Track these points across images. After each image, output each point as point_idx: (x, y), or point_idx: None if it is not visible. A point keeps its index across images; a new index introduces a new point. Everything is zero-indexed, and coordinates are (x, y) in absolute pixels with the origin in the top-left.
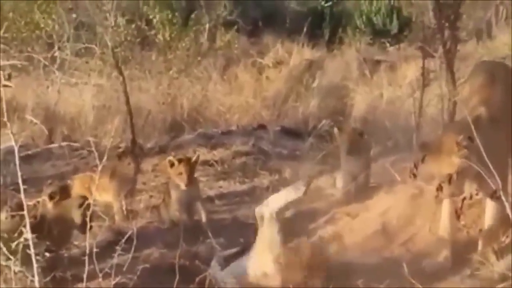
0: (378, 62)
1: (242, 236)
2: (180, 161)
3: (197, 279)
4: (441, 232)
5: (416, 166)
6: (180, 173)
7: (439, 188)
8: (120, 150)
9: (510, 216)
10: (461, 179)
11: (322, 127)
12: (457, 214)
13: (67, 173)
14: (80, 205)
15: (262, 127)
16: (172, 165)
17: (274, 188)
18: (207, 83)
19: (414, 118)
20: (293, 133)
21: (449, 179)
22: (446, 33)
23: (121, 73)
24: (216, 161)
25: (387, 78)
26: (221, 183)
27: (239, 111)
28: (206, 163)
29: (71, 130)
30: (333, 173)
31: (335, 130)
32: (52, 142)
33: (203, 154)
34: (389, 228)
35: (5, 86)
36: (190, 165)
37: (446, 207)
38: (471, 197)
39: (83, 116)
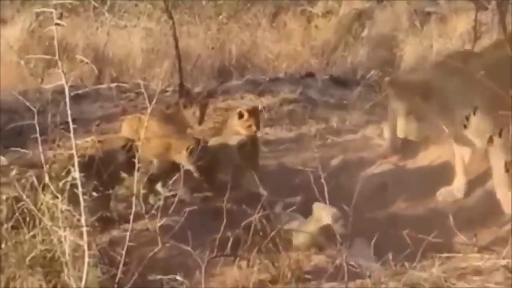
0: (429, 14)
1: (288, 183)
2: (250, 112)
3: (242, 224)
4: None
5: (467, 118)
6: (250, 126)
7: (490, 141)
8: (186, 98)
9: None
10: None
11: (371, 77)
12: (506, 167)
13: (115, 115)
14: (123, 146)
15: (310, 75)
16: (241, 116)
17: (321, 137)
18: (256, 30)
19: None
20: (341, 82)
21: (500, 131)
22: None
23: (170, 17)
24: (263, 108)
25: (437, 30)
26: (267, 129)
27: (287, 58)
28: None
29: (120, 72)
30: (380, 124)
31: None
32: (100, 83)
33: (251, 100)
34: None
35: (57, 24)
36: (259, 116)
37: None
38: None
39: (131, 59)
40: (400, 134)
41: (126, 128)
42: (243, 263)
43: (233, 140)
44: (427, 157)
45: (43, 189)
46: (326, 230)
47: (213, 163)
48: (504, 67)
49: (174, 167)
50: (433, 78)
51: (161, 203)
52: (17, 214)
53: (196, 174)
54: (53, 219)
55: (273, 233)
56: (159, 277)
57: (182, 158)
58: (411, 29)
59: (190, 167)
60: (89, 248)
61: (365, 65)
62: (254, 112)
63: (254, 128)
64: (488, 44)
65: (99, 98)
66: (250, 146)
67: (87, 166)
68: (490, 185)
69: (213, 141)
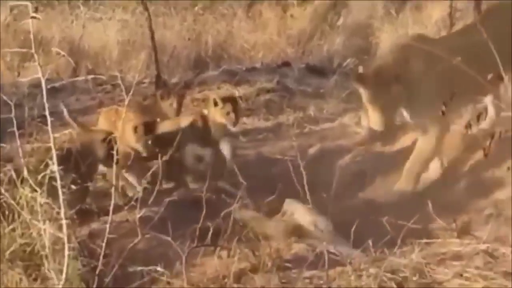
0: (404, 1)
1: (266, 172)
2: (225, 100)
3: (222, 214)
4: None
5: (445, 104)
6: (228, 113)
7: (468, 126)
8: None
9: None
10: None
11: (347, 65)
12: (484, 152)
13: (91, 107)
14: (103, 140)
15: (286, 64)
16: (216, 104)
17: (298, 125)
18: (231, 20)
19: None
20: (317, 71)
21: (478, 116)
22: None
23: (146, 8)
24: (240, 98)
25: (413, 17)
26: (245, 119)
27: (263, 48)
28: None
29: (96, 65)
30: (357, 112)
31: (360, 68)
32: (77, 76)
33: (227, 90)
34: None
35: (33, 17)
36: (236, 103)
37: None
38: (500, 135)
39: (107, 51)
40: (376, 126)
41: (103, 121)
42: (224, 253)
43: (185, 122)
44: (405, 143)
45: (21, 183)
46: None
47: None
48: (479, 51)
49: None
50: (406, 66)
51: (140, 194)
52: None
53: (144, 154)
54: (32, 213)
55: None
56: (139, 268)
57: (130, 138)
58: (387, 17)
59: (138, 147)
60: (69, 241)
61: (341, 53)
62: (229, 100)
63: (232, 115)
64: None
65: (75, 91)
66: (201, 125)
67: (65, 159)
68: (468, 170)
69: (165, 125)
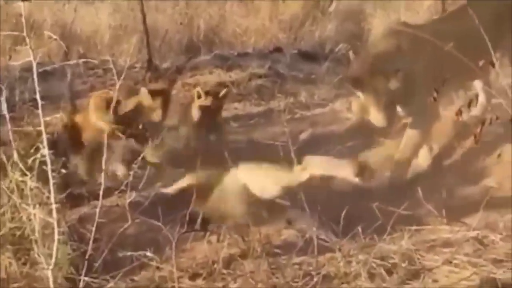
0: None
1: (257, 157)
2: (207, 93)
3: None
4: None
5: (436, 90)
6: (155, 109)
7: (458, 113)
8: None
9: None
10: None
11: (339, 51)
12: (475, 139)
13: (83, 91)
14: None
15: (278, 50)
16: (199, 96)
17: (290, 111)
18: (224, 5)
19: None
20: (309, 57)
21: (469, 103)
22: None
23: None
24: (232, 83)
25: (405, 3)
26: (236, 104)
27: (255, 33)
28: (222, 84)
29: (87, 49)
30: (349, 97)
31: (351, 54)
32: (68, 60)
33: (219, 75)
34: (405, 152)
35: (24, 0)
36: (218, 98)
37: None
38: (490, 122)
39: (99, 35)
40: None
41: (93, 104)
42: (213, 238)
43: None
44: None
45: (12, 167)
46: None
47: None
48: (469, 36)
49: None
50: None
51: (130, 178)
52: None
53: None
54: (22, 197)
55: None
56: (129, 253)
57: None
58: (379, 3)
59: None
60: (59, 225)
61: (333, 39)
62: (160, 93)
63: (159, 112)
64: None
65: (67, 75)
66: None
67: (55, 143)
68: (458, 156)
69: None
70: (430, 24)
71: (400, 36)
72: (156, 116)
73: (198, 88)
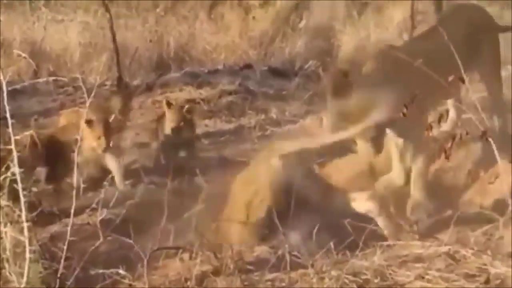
0: (366, 3)
1: (227, 174)
2: (95, 122)
3: (185, 215)
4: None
5: (406, 106)
6: (99, 137)
7: (429, 128)
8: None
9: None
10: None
11: (309, 67)
12: (446, 154)
13: (53, 109)
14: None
15: (248, 66)
16: (169, 106)
17: (260, 128)
18: (193, 22)
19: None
20: (279, 73)
21: (439, 118)
22: None
23: (107, 10)
24: (202, 100)
25: (375, 19)
26: (207, 121)
27: (225, 50)
28: (192, 101)
29: (57, 67)
30: (319, 114)
31: (321, 70)
32: (38, 78)
33: (189, 92)
34: (376, 169)
35: None
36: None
37: None
38: (460, 137)
39: (69, 53)
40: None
41: (64, 123)
42: (186, 255)
43: None
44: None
45: None
46: None
47: None
48: (440, 54)
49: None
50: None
51: (101, 196)
52: None
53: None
54: None
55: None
56: (101, 271)
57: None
58: (349, 19)
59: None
60: (30, 244)
61: (303, 55)
62: (101, 121)
63: (103, 140)
64: (422, 31)
65: (36, 93)
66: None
67: (26, 161)
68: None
69: None
70: (404, 45)
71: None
72: (99, 146)
73: (167, 99)
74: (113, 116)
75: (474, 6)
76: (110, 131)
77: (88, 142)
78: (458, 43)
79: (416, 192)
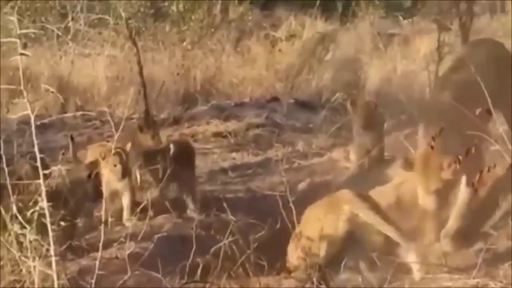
0: (392, 35)
1: (256, 208)
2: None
3: (212, 250)
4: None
5: (433, 139)
6: (115, 165)
7: (457, 161)
8: (140, 121)
9: None
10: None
11: (336, 100)
12: (474, 187)
13: (80, 143)
14: (89, 176)
15: (275, 99)
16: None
17: (287, 160)
18: (220, 55)
19: (429, 91)
20: (306, 106)
21: (467, 152)
22: (462, 6)
23: (134, 43)
24: (229, 133)
25: (401, 51)
26: (234, 154)
27: (252, 83)
28: (219, 134)
29: (84, 101)
30: (346, 146)
31: (348, 103)
32: (65, 112)
33: (216, 125)
34: (403, 202)
35: (22, 54)
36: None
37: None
38: (488, 170)
39: (96, 87)
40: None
41: (91, 157)
42: None
43: None
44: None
45: (11, 219)
46: None
47: None
48: (469, 87)
49: None
50: None
51: (129, 230)
52: None
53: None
54: (21, 250)
55: (242, 257)
56: None
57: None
58: (375, 51)
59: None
60: (59, 278)
61: (329, 88)
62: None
63: (119, 167)
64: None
65: (64, 127)
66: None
67: (54, 195)
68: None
69: None
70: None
71: None
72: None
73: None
74: (129, 145)
75: (495, 42)
76: (126, 160)
77: (106, 172)
78: (484, 76)
79: (453, 222)
